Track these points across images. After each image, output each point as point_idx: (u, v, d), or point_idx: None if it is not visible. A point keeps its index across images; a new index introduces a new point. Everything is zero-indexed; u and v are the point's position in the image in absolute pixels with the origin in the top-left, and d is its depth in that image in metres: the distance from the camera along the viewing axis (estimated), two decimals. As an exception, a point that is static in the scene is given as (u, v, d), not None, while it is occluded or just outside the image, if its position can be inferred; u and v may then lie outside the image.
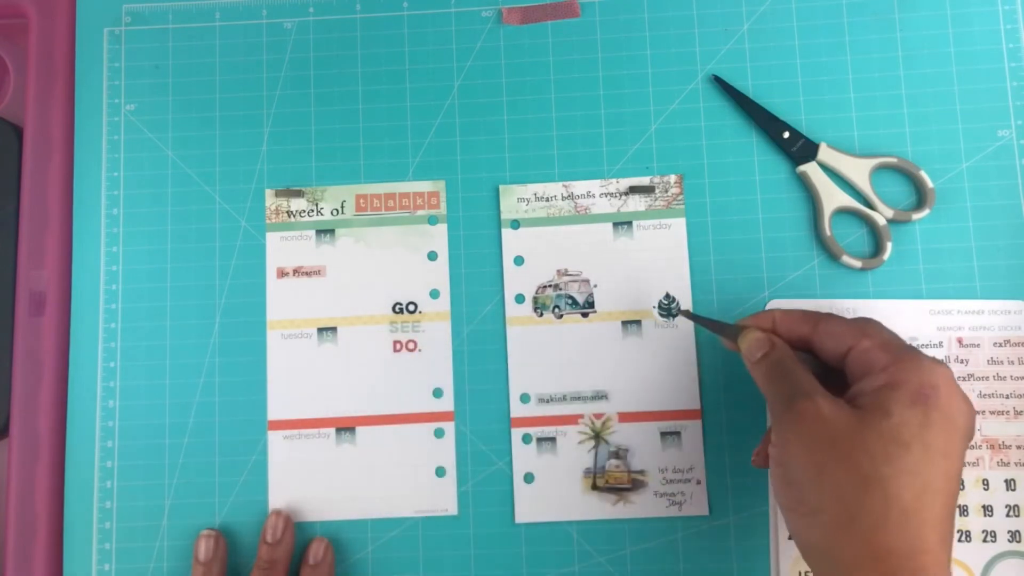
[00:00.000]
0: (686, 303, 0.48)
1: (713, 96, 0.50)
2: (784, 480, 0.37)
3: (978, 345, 0.47)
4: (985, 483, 0.46)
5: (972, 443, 0.46)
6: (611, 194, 0.49)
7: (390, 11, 0.52)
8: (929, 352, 0.46)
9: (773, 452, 0.38)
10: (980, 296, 0.47)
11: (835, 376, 0.39)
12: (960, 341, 0.47)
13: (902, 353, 0.36)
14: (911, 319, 0.47)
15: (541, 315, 0.48)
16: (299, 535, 0.47)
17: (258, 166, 0.51)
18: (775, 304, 0.48)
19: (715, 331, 0.43)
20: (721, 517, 0.47)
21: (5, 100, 0.52)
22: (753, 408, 0.47)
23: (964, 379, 0.47)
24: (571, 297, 0.49)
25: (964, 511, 0.46)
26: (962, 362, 0.47)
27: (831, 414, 0.36)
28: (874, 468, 0.34)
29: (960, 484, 0.35)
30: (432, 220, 0.50)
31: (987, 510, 0.46)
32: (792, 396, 0.37)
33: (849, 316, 0.40)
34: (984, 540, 0.46)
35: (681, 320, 0.48)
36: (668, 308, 0.47)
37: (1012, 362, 0.47)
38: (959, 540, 0.46)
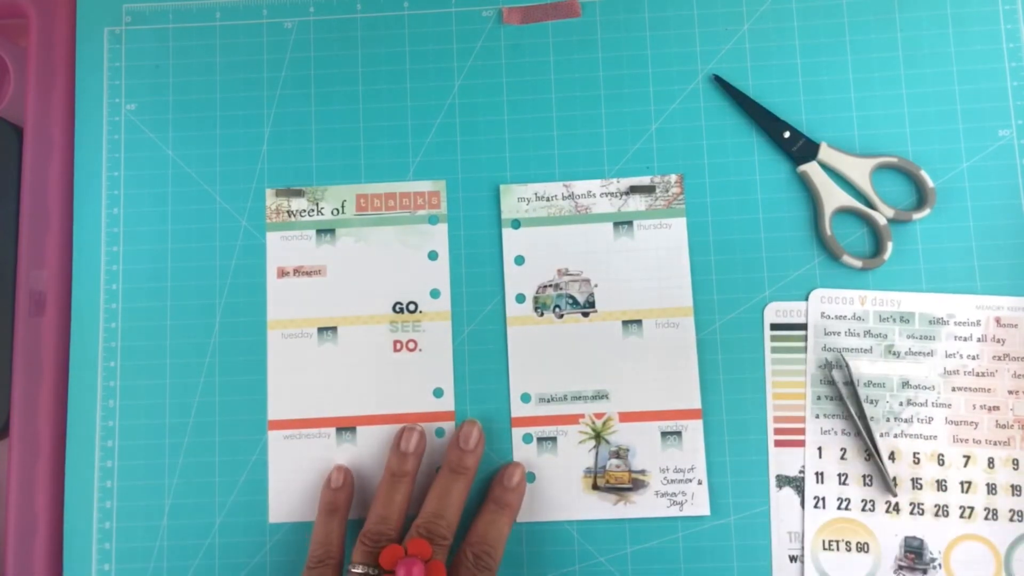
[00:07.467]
0: (686, 303, 0.48)
1: (713, 96, 0.50)
2: None
3: (1016, 326, 0.47)
4: (1015, 463, 0.46)
5: (1004, 423, 0.46)
6: (611, 194, 0.49)
7: (390, 11, 0.52)
8: (966, 330, 0.47)
9: None
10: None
11: None
12: (998, 321, 0.47)
13: None
14: (949, 296, 0.47)
15: (542, 315, 0.48)
16: (299, 535, 0.47)
17: (258, 166, 0.51)
18: (774, 305, 0.48)
19: None
20: (721, 517, 0.47)
21: (5, 100, 0.52)
22: (753, 408, 0.47)
23: (1000, 359, 0.47)
24: (572, 297, 0.49)
25: (992, 489, 0.46)
26: (999, 341, 0.47)
27: None
28: None
29: None
30: (432, 220, 0.50)
31: (1015, 490, 0.46)
32: None
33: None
34: (1011, 519, 0.46)
35: (681, 319, 0.48)
36: None
37: None
38: (985, 518, 0.46)
